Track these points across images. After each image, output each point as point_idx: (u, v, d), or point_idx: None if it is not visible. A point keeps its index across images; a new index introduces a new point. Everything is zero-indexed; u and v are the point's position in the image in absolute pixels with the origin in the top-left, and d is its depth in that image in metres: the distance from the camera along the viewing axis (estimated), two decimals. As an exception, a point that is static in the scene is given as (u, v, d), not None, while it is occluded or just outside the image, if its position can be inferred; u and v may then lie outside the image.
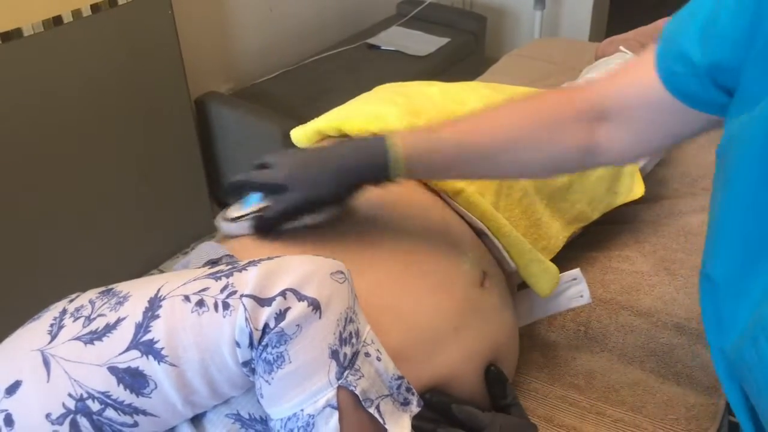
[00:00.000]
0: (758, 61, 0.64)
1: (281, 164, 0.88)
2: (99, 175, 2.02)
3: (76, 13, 1.81)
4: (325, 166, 0.86)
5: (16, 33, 1.70)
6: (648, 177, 1.40)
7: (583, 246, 1.29)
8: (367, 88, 1.28)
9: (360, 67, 2.69)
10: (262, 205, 0.89)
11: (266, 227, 0.88)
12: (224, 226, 0.92)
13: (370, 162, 0.85)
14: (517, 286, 1.10)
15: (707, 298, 0.74)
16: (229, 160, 2.46)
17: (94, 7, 1.84)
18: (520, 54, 2.09)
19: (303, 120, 1.17)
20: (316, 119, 1.15)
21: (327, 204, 0.87)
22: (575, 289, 1.05)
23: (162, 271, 2.15)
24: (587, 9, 3.10)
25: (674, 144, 0.90)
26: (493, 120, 0.86)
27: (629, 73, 0.81)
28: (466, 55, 2.95)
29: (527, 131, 0.84)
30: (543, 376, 1.06)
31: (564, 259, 1.17)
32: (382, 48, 2.82)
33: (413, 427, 0.80)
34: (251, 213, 0.89)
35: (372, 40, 2.87)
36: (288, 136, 2.24)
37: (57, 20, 1.77)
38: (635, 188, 1.28)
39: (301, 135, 1.14)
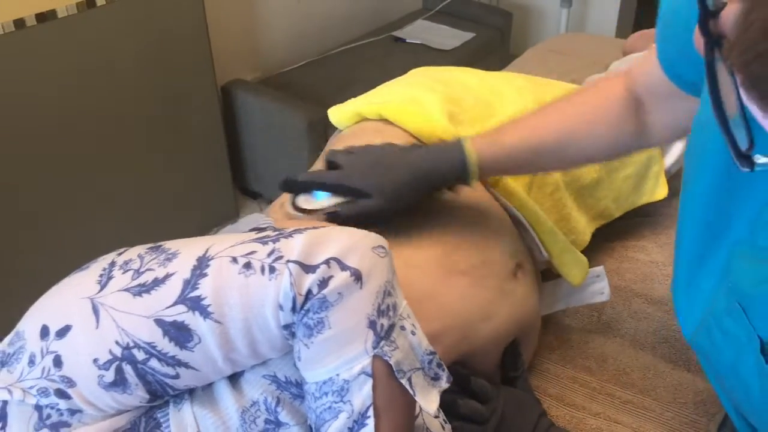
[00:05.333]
0: None
1: (353, 166, 0.90)
2: (124, 158, 2.06)
3: (109, -3, 1.85)
4: (403, 175, 0.88)
5: (51, 14, 1.74)
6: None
7: (601, 236, 1.31)
8: (392, 79, 1.29)
9: (385, 59, 2.71)
10: (333, 200, 0.90)
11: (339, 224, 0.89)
12: (294, 215, 0.92)
13: (448, 170, 0.89)
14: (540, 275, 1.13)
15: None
16: (253, 148, 2.50)
17: (127, -8, 1.89)
18: (545, 48, 2.10)
19: (327, 109, 1.18)
20: (353, 100, 1.16)
21: (406, 210, 0.90)
22: (598, 286, 1.08)
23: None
24: (614, 8, 3.09)
25: None
26: (553, 118, 0.91)
27: (648, 62, 0.85)
28: (491, 50, 2.96)
29: (586, 125, 0.89)
30: (555, 357, 1.08)
31: (584, 253, 1.19)
32: (408, 41, 2.84)
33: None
34: (325, 209, 0.90)
35: (397, 33, 2.89)
36: (312, 125, 2.29)
37: (90, 3, 1.80)
38: (659, 190, 1.30)
39: (340, 116, 1.15)
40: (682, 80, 0.78)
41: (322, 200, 0.90)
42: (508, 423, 0.86)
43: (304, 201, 0.92)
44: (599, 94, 0.91)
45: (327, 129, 2.20)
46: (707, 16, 0.45)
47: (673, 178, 1.42)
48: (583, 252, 1.10)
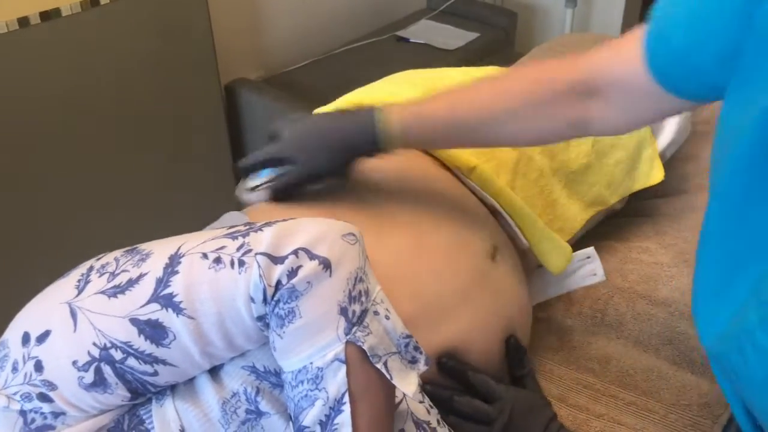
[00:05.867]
0: (760, 45, 0.61)
1: (286, 136, 0.93)
2: (127, 157, 2.06)
3: (114, -5, 1.85)
4: (321, 140, 0.91)
5: (55, 13, 1.74)
6: (671, 172, 1.40)
7: (604, 236, 1.30)
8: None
9: (388, 58, 2.70)
10: (273, 175, 0.94)
11: (279, 196, 0.94)
12: (242, 194, 0.98)
13: (359, 134, 0.89)
14: (536, 267, 1.12)
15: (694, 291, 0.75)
16: (256, 147, 2.48)
17: (131, -10, 1.88)
18: (549, 47, 2.09)
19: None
20: (338, 99, 1.17)
21: (327, 175, 0.92)
22: (589, 268, 1.07)
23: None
24: (619, 9, 3.09)
25: (665, 118, 0.93)
26: (484, 94, 0.88)
27: (616, 52, 0.81)
28: (496, 50, 2.95)
29: (519, 107, 0.86)
30: (558, 358, 1.08)
31: (584, 247, 1.18)
32: (411, 41, 2.83)
33: (428, 393, 0.83)
34: (264, 183, 0.94)
35: (401, 33, 2.88)
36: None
37: (94, 1, 1.80)
38: (654, 173, 1.29)
39: None
40: (673, 84, 0.74)
41: (265, 176, 0.95)
42: (516, 425, 0.85)
43: (251, 180, 0.96)
44: (541, 76, 0.87)
45: (330, 128, 2.21)
46: None
47: (669, 168, 1.41)
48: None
